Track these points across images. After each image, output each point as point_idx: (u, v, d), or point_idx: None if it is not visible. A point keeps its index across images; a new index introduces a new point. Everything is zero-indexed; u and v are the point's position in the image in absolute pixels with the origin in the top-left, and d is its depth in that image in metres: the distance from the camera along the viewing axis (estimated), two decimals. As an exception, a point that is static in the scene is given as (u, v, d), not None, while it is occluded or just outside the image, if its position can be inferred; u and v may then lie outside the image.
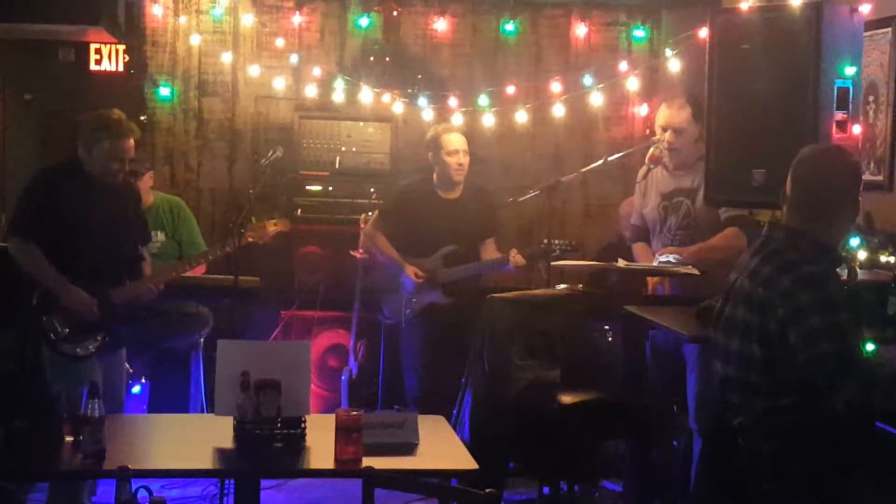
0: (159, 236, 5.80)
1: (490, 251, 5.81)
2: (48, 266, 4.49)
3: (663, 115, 5.01)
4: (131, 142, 4.62)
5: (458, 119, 6.37)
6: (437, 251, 5.75)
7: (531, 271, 5.86)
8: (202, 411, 5.67)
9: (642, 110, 6.89)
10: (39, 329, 4.51)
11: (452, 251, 5.72)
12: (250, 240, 5.22)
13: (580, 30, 6.94)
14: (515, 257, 5.58)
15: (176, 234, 5.88)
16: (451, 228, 5.74)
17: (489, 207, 5.86)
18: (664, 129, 4.98)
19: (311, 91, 6.61)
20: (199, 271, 5.75)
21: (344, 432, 3.55)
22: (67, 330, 4.53)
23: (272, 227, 5.32)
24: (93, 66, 6.74)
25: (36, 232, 4.51)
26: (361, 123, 6.61)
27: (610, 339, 5.29)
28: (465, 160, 5.79)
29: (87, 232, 4.56)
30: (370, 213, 6.20)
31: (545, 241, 5.47)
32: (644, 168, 5.10)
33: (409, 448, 3.75)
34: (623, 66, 6.49)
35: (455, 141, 5.78)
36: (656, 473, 4.94)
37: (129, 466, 2.99)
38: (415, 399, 5.72)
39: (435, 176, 5.86)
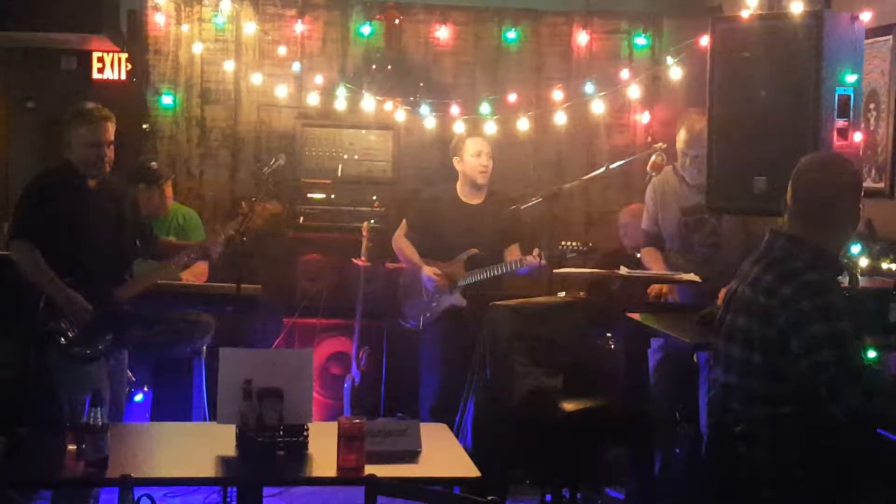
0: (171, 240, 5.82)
1: (514, 256, 5.81)
2: (46, 269, 4.47)
3: (684, 139, 4.99)
4: (107, 126, 4.57)
5: (459, 127, 6.38)
6: (459, 255, 5.79)
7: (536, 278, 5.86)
8: (204, 419, 5.66)
9: (644, 118, 6.89)
10: (48, 333, 4.50)
11: (474, 255, 5.76)
12: (240, 225, 5.08)
13: (582, 38, 6.94)
14: (533, 259, 5.57)
15: (187, 240, 5.89)
16: (472, 233, 5.80)
17: (512, 213, 5.86)
18: (685, 154, 4.97)
19: (313, 99, 6.62)
20: (201, 279, 5.76)
21: (346, 440, 3.55)
22: (77, 332, 4.52)
23: (263, 211, 5.17)
24: (95, 75, 6.75)
25: (37, 235, 4.51)
26: (363, 131, 6.62)
27: (612, 346, 5.29)
28: (489, 163, 5.87)
29: (87, 233, 4.56)
30: (372, 221, 6.22)
31: (562, 243, 5.47)
32: (652, 177, 5.10)
33: (411, 456, 3.75)
34: (625, 73, 6.50)
35: (478, 143, 5.89)
36: (658, 481, 4.95)
37: (132, 475, 2.99)
38: (430, 408, 5.71)
39: (458, 182, 5.94)
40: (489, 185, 5.94)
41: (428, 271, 5.79)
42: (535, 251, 5.61)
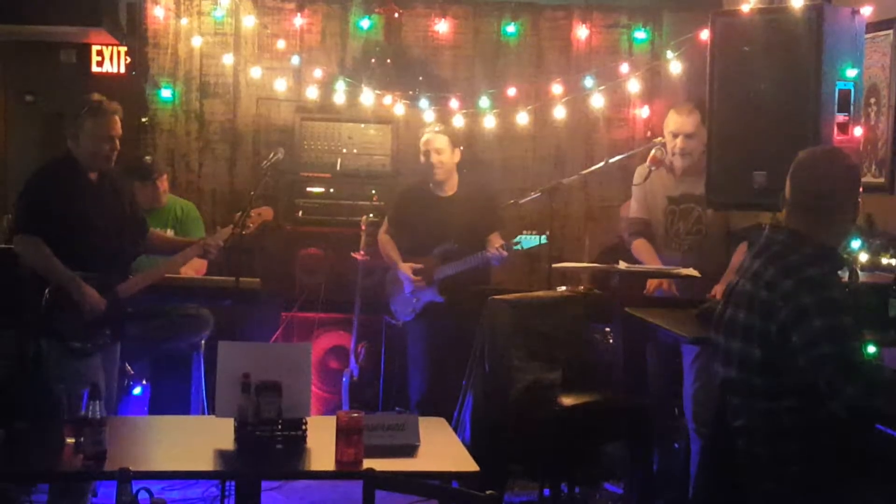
0: (169, 233, 5.81)
1: (498, 244, 5.71)
2: (58, 262, 4.44)
3: (673, 121, 5.01)
4: (116, 119, 4.57)
5: (458, 121, 6.37)
6: (434, 250, 5.76)
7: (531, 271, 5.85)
8: (203, 413, 5.67)
9: (643, 112, 6.89)
10: (51, 327, 4.49)
11: (450, 249, 5.69)
12: (235, 231, 5.09)
13: (581, 32, 6.93)
14: (496, 250, 5.54)
15: (186, 234, 5.88)
16: (446, 226, 5.71)
17: (486, 202, 5.82)
18: (675, 135, 4.99)
19: (312, 93, 6.61)
20: (200, 272, 5.76)
21: (345, 434, 3.55)
22: (78, 326, 4.51)
23: (256, 218, 5.16)
24: (94, 68, 6.74)
25: (41, 228, 4.50)
26: (362, 125, 6.61)
27: (611, 340, 5.29)
28: (437, 158, 5.73)
29: (90, 226, 4.53)
30: (371, 215, 6.21)
31: (523, 233, 5.47)
32: (645, 169, 5.10)
33: (409, 450, 3.76)
34: (624, 68, 6.48)
35: (427, 140, 5.78)
36: (657, 475, 4.95)
37: (130, 468, 2.99)
38: (418, 403, 5.71)
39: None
40: (461, 177, 5.85)
41: (403, 268, 5.77)
42: (499, 243, 5.58)
